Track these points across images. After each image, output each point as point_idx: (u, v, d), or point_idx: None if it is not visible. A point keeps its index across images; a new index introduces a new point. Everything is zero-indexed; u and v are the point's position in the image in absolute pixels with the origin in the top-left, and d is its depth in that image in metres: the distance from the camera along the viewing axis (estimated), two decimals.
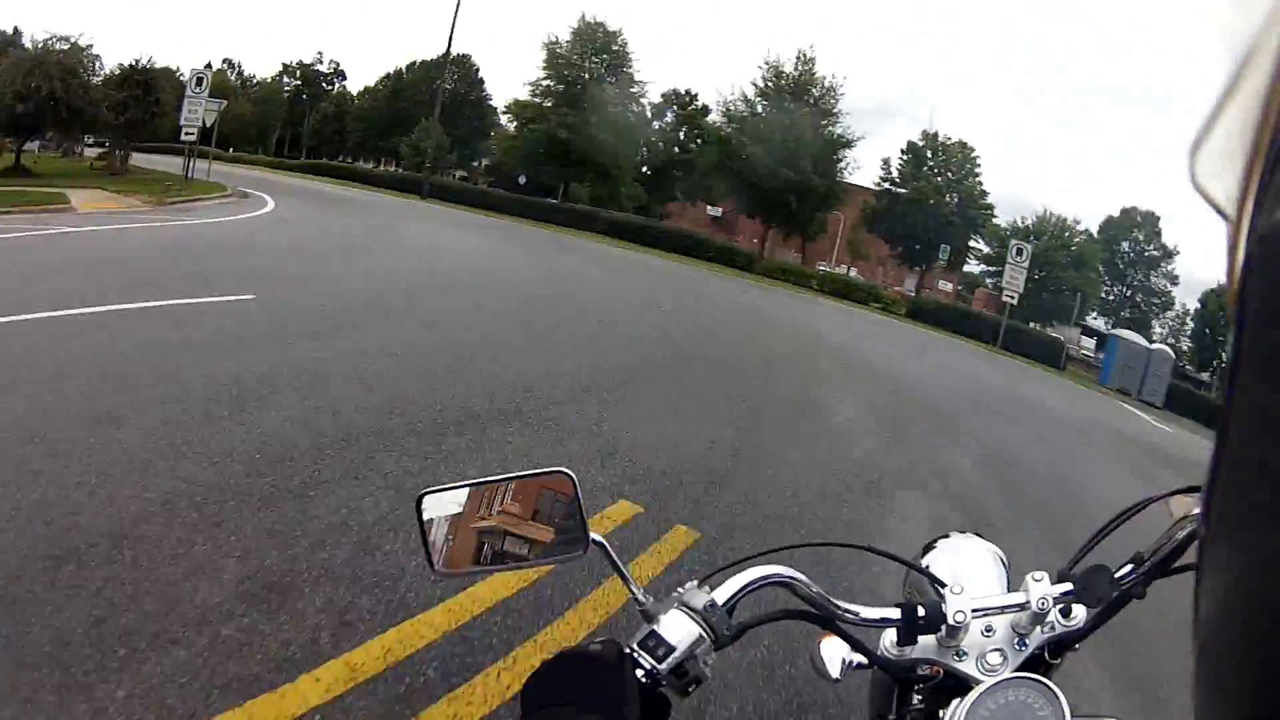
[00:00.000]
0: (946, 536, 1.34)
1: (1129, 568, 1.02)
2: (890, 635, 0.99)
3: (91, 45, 27.59)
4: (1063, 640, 0.98)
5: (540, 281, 15.62)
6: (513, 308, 11.35)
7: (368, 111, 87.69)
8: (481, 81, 75.95)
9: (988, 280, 56.66)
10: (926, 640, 0.97)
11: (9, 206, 15.27)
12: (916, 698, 1.13)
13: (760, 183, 42.76)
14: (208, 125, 26.27)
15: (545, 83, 50.07)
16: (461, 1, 44.95)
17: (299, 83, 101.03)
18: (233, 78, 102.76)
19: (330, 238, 16.99)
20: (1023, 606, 0.95)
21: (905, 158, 53.33)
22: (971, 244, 52.53)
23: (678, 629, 0.84)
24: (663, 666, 0.81)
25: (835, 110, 46.67)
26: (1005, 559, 1.29)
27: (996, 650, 0.96)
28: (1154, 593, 0.98)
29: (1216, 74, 0.30)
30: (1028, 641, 0.96)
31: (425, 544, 0.91)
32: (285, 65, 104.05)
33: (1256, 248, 0.26)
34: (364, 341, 7.42)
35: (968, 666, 0.96)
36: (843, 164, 46.66)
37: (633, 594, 0.88)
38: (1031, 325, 44.57)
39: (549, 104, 49.35)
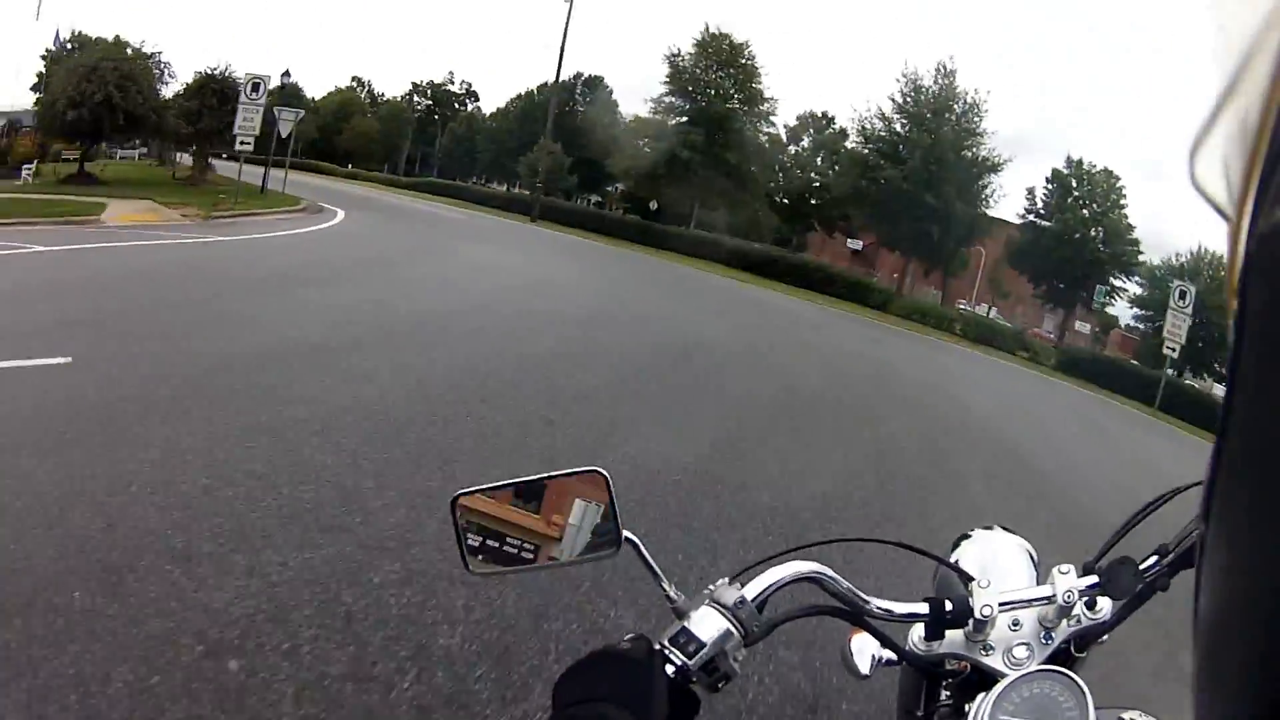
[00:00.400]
0: (980, 529, 1.37)
1: (1153, 559, 1.00)
2: (918, 631, 0.99)
3: (160, 53, 27.44)
4: (1088, 633, 0.98)
5: (585, 321, 12.02)
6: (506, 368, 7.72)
7: (498, 132, 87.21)
8: (616, 104, 73.81)
9: (1126, 323, 50.40)
10: (954, 636, 0.97)
11: (36, 217, 14.53)
12: (944, 693, 1.14)
13: (900, 210, 38.40)
14: (284, 136, 25.20)
15: (668, 99, 46.95)
16: (572, 14, 41.83)
17: (430, 102, 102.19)
18: (362, 95, 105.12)
19: (362, 257, 14.92)
20: (1049, 599, 0.95)
21: (1050, 187, 47.20)
22: (1115, 283, 46.20)
23: (708, 625, 0.83)
24: (693, 663, 0.81)
25: (979, 130, 41.70)
26: (1034, 553, 1.31)
27: (1023, 644, 0.96)
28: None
29: (1216, 74, 0.30)
30: (1054, 635, 0.96)
31: (460, 545, 0.91)
32: (415, 84, 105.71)
33: (1256, 248, 0.26)
34: (130, 461, 4.07)
35: (994, 661, 0.96)
36: (988, 189, 41.76)
37: (664, 591, 0.88)
38: (1188, 380, 38.04)
39: (671, 121, 46.21)
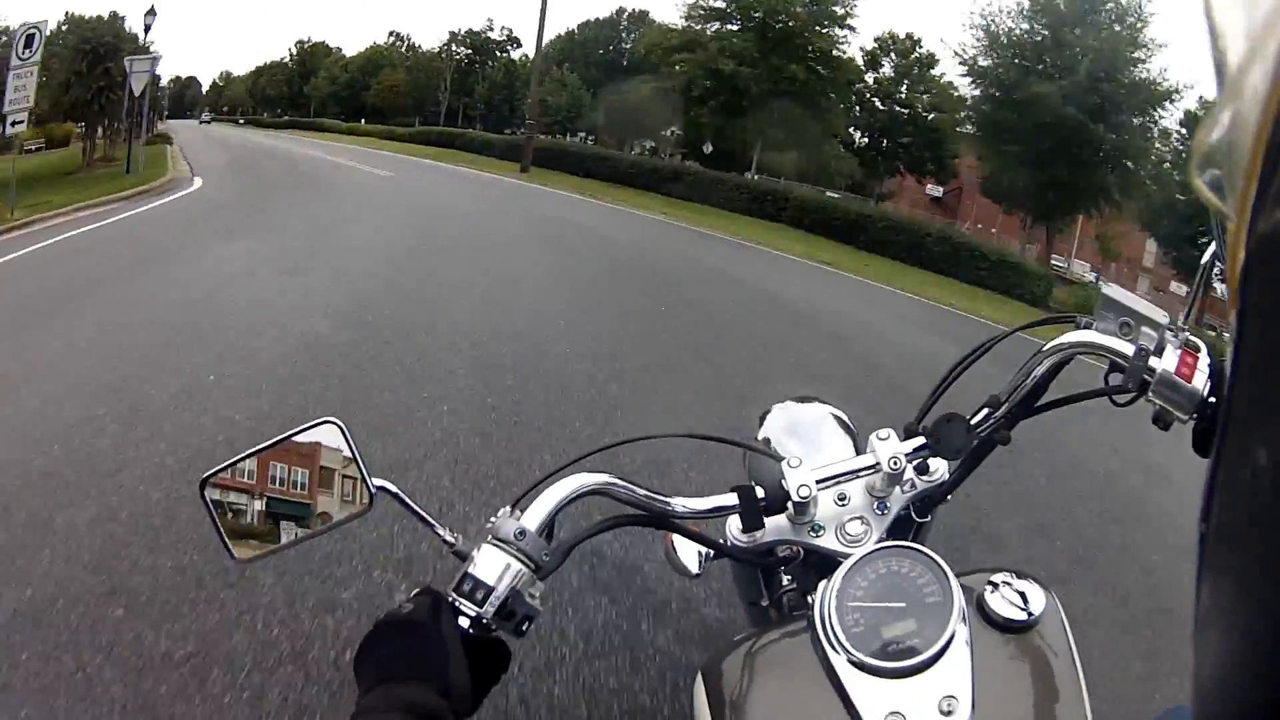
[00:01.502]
0: (785, 403, 1.32)
1: (984, 413, 0.95)
2: (735, 523, 0.93)
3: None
4: (927, 497, 0.94)
5: None
6: None
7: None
8: None
9: None
10: (777, 522, 0.92)
11: None
12: (786, 579, 1.10)
13: (1054, 145, 26.49)
14: (136, 93, 19.82)
15: (704, 3, 35.07)
16: None
17: (469, 51, 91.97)
18: (403, 50, 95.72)
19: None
20: (874, 469, 0.91)
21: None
22: None
23: (492, 566, 0.77)
24: (484, 610, 0.75)
25: (1142, 32, 27.97)
26: (850, 421, 1.26)
27: (856, 519, 0.91)
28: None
29: (1216, 73, 0.30)
30: (889, 504, 0.92)
31: (219, 533, 0.82)
32: (453, 33, 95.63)
33: (1256, 248, 0.26)
34: None
35: (828, 541, 0.91)
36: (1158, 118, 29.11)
37: (438, 535, 0.80)
38: None
39: (709, 30, 34.55)
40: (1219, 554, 0.27)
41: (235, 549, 0.83)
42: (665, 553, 1.22)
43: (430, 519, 0.81)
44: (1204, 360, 0.82)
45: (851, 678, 0.75)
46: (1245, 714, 0.24)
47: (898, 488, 0.92)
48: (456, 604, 0.75)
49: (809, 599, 0.84)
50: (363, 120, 57.11)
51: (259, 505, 0.83)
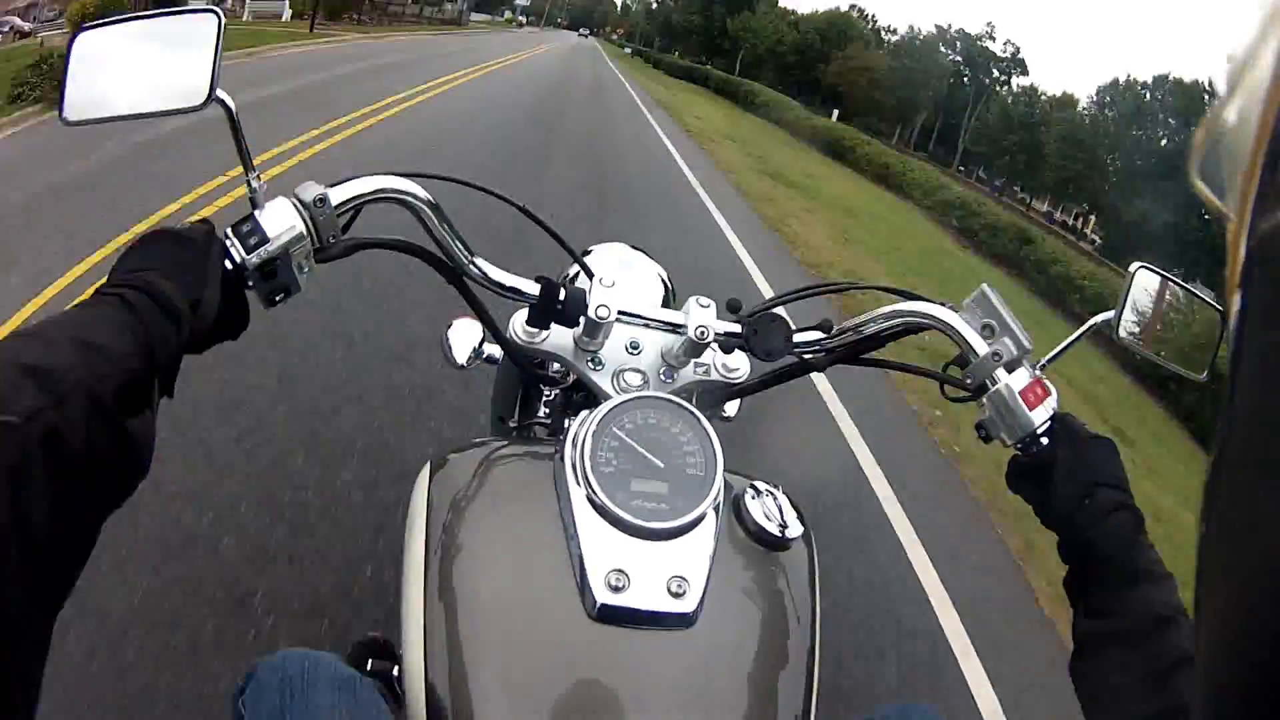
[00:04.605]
0: (612, 243, 1.26)
1: (815, 335, 0.92)
2: (522, 317, 0.89)
3: None
4: (714, 390, 0.91)
5: None
6: None
7: (1076, 130, 62.63)
8: None
9: None
10: (562, 336, 0.89)
11: None
12: (543, 409, 1.13)
13: None
14: None
15: None
16: None
17: (957, 58, 74.42)
18: (870, 29, 78.79)
19: None
20: (677, 329, 0.87)
21: None
22: None
23: (279, 219, 0.73)
24: (250, 258, 0.71)
25: None
26: (671, 284, 1.23)
27: (637, 371, 0.88)
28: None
29: (1215, 72, 0.34)
30: (676, 376, 0.89)
31: (62, 87, 0.78)
32: (940, 28, 77.96)
33: (1256, 248, 0.26)
34: None
35: (602, 379, 0.87)
36: None
37: (246, 176, 0.76)
38: None
39: None
40: (1219, 555, 0.27)
41: (67, 107, 0.79)
42: (441, 336, 1.21)
43: (250, 158, 0.76)
44: (1052, 401, 0.80)
45: (585, 517, 0.72)
46: (1248, 716, 0.24)
47: (693, 363, 0.89)
48: (228, 242, 0.71)
49: (565, 425, 0.81)
50: (834, 114, 39.55)
51: (110, 73, 0.80)
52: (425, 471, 0.83)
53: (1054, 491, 0.78)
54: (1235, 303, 0.27)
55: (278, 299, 0.75)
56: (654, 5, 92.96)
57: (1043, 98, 70.49)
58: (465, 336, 1.20)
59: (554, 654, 0.68)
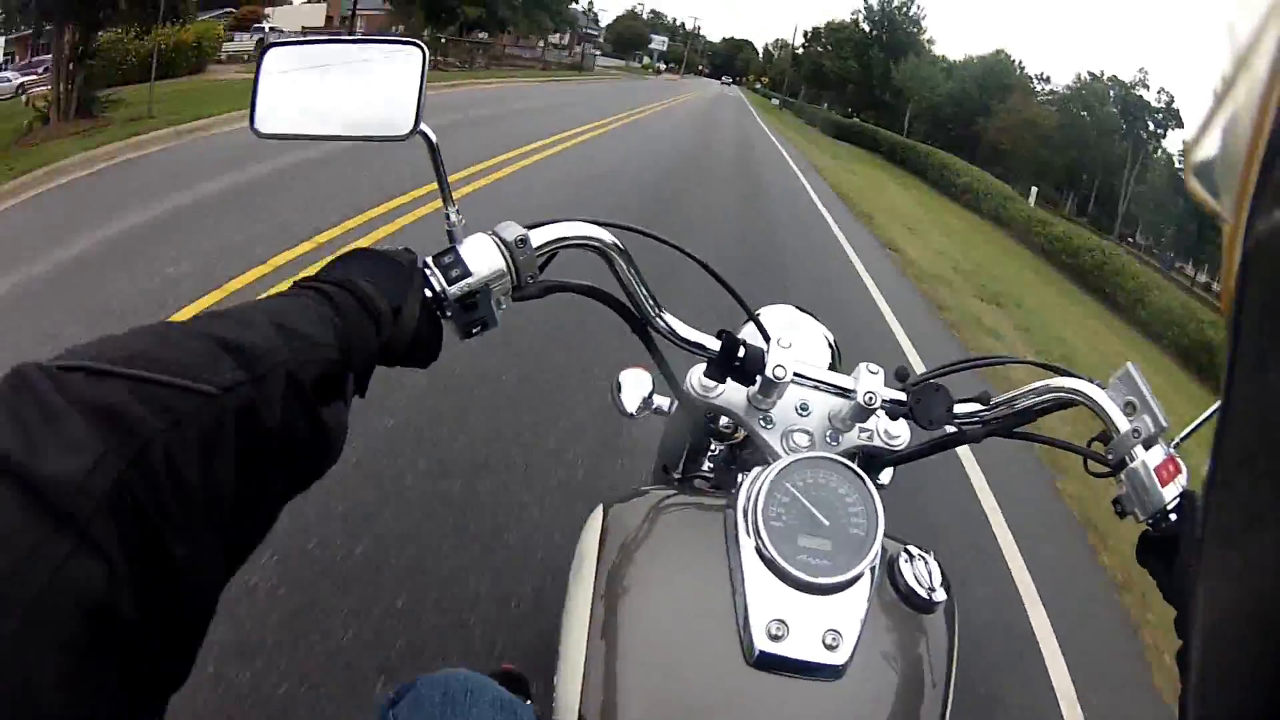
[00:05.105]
0: (780, 306, 1.29)
1: (974, 406, 0.95)
2: (699, 371, 0.92)
3: None
4: (877, 455, 0.94)
5: None
6: None
7: None
8: None
9: None
10: (736, 392, 0.92)
11: None
12: (707, 463, 1.18)
13: None
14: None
15: None
16: None
17: (1117, 111, 65.97)
18: (1028, 77, 71.23)
19: None
20: (848, 393, 0.90)
21: None
22: None
23: (480, 255, 0.76)
24: (452, 290, 0.73)
25: None
26: (837, 345, 1.25)
27: (805, 433, 0.91)
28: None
29: (1214, 71, 0.29)
30: (840, 439, 0.92)
31: (253, 99, 0.81)
32: (1094, 75, 69.94)
33: (1255, 248, 0.26)
34: None
35: (772, 437, 0.90)
36: None
37: (445, 208, 0.79)
38: None
39: None
40: (1218, 555, 0.27)
41: (259, 117, 0.81)
42: (613, 382, 1.24)
43: (449, 189, 0.79)
44: (1182, 478, 0.83)
45: (752, 567, 0.75)
46: (1248, 716, 0.24)
47: (858, 427, 0.91)
48: (429, 271, 0.73)
49: (738, 480, 0.84)
50: (1031, 195, 31.29)
51: (304, 90, 0.81)
52: (597, 515, 0.87)
53: (1176, 567, 0.80)
54: (1232, 303, 0.27)
55: (474, 331, 0.77)
56: (800, 50, 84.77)
57: None
58: (636, 386, 1.21)
59: (709, 694, 0.72)
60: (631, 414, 1.19)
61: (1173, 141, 64.91)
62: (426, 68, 0.80)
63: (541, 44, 60.04)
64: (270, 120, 0.81)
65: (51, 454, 0.39)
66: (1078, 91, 70.53)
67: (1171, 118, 66.43)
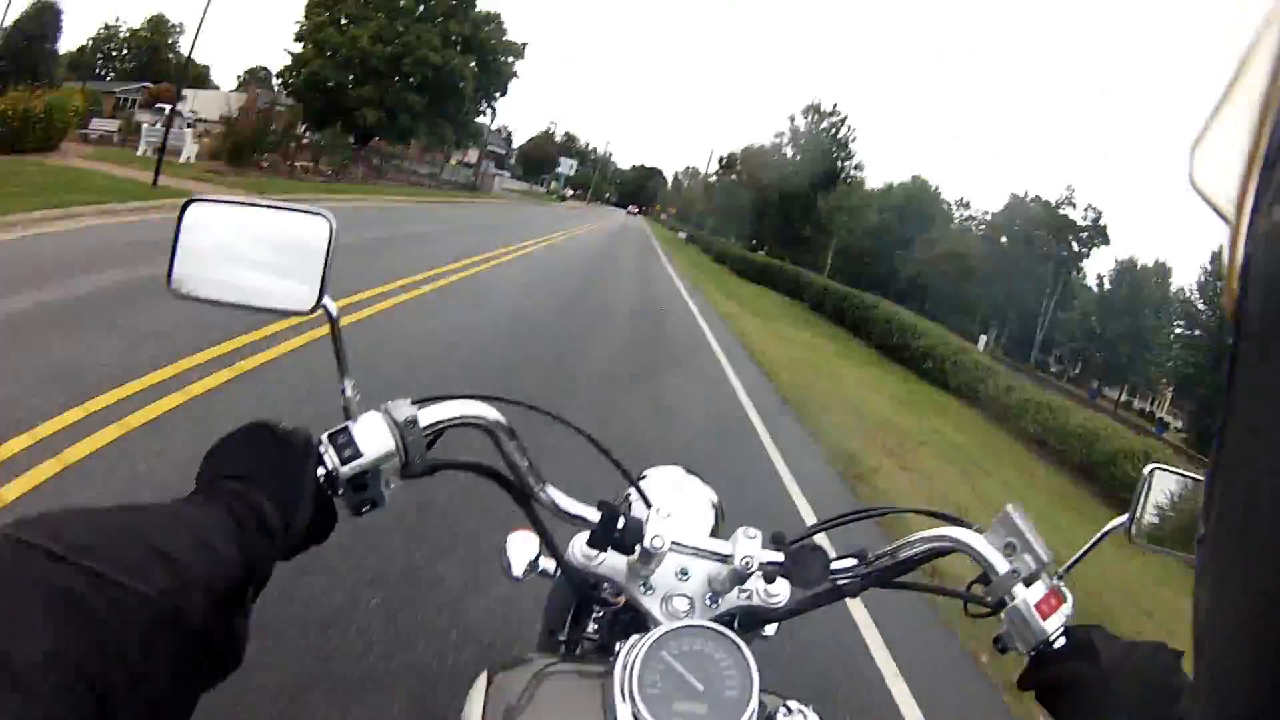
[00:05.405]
0: (667, 467, 1.34)
1: (851, 562, 0.97)
2: (582, 540, 0.94)
3: None
4: (757, 614, 0.96)
5: None
6: None
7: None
8: None
9: None
10: (616, 561, 0.94)
11: None
12: (592, 626, 1.21)
13: None
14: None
15: None
16: None
17: (1041, 231, 64.06)
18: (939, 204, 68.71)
19: None
20: (725, 559, 0.92)
21: None
22: None
23: (373, 436, 0.78)
24: (344, 470, 0.76)
25: None
26: (722, 507, 1.29)
27: (685, 597, 0.93)
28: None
29: (1216, 72, 0.30)
30: (720, 601, 0.94)
31: (173, 254, 0.82)
32: (1015, 196, 69.49)
33: (1256, 248, 0.26)
34: None
35: (651, 604, 0.93)
36: None
37: (342, 382, 0.82)
38: None
39: None
40: (1219, 554, 0.27)
41: (175, 278, 0.81)
42: (501, 545, 1.27)
43: (346, 365, 0.81)
44: (1066, 609, 0.86)
45: None
46: (1248, 716, 0.24)
47: (737, 590, 0.93)
48: (324, 450, 0.75)
49: (616, 648, 0.85)
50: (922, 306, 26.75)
51: (218, 253, 0.82)
52: (481, 683, 0.88)
53: (1067, 694, 0.83)
54: (1233, 302, 0.27)
55: (364, 510, 0.78)
56: (712, 178, 77.87)
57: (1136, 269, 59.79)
58: (523, 549, 1.24)
59: None
60: (518, 577, 1.22)
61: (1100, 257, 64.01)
62: (334, 239, 0.81)
63: (453, 160, 55.55)
64: (187, 282, 0.82)
65: (18, 632, 0.44)
66: (1006, 215, 68.47)
67: (1099, 235, 64.82)
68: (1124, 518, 0.96)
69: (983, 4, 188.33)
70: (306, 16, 38.51)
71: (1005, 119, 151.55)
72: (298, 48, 38.51)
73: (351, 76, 38.56)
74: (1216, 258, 54.04)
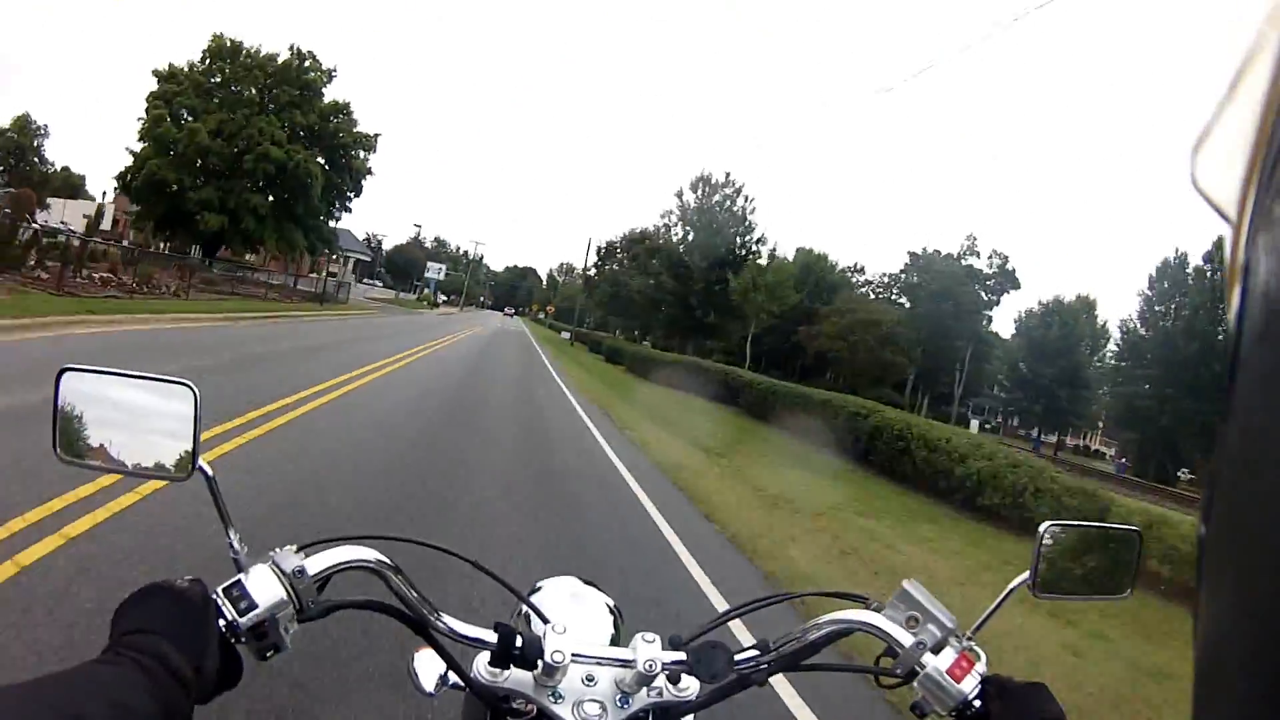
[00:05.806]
0: (561, 578, 1.31)
1: (753, 653, 0.98)
2: (484, 660, 0.94)
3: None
4: (670, 709, 0.96)
5: None
6: None
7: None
8: None
9: None
10: (522, 675, 0.94)
11: None
12: None
13: None
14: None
15: None
16: None
17: (954, 285, 61.11)
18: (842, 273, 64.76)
19: None
20: (628, 664, 0.93)
21: None
22: None
23: (264, 587, 0.80)
24: (243, 621, 0.78)
25: None
26: (619, 611, 1.27)
27: (596, 702, 0.93)
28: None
29: (1218, 74, 0.30)
30: (631, 701, 0.94)
31: (55, 423, 0.85)
32: (914, 255, 65.59)
33: (1254, 248, 0.26)
34: None
35: (563, 711, 0.93)
36: None
37: (229, 538, 0.84)
38: None
39: None
40: (1219, 556, 0.27)
41: (61, 447, 0.85)
42: (409, 664, 1.25)
43: (229, 520, 0.84)
44: (980, 667, 0.88)
45: None
46: (1247, 713, 0.24)
47: (646, 690, 0.94)
48: (219, 602, 0.78)
49: None
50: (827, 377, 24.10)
51: (96, 421, 0.84)
52: None
53: None
54: (1234, 302, 0.27)
55: (268, 655, 0.80)
56: (592, 271, 67.33)
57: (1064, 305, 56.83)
58: (430, 665, 1.22)
59: None
60: (430, 693, 1.20)
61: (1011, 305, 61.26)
62: (200, 407, 0.84)
63: (312, 270, 48.68)
64: (72, 448, 0.85)
65: None
66: (908, 274, 64.71)
67: (1007, 279, 61.77)
68: (1025, 574, 0.97)
69: (828, 69, 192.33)
70: (146, 111, 33.58)
71: (889, 178, 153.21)
72: (139, 146, 33.86)
73: (192, 177, 33.62)
74: (1156, 279, 51.67)
